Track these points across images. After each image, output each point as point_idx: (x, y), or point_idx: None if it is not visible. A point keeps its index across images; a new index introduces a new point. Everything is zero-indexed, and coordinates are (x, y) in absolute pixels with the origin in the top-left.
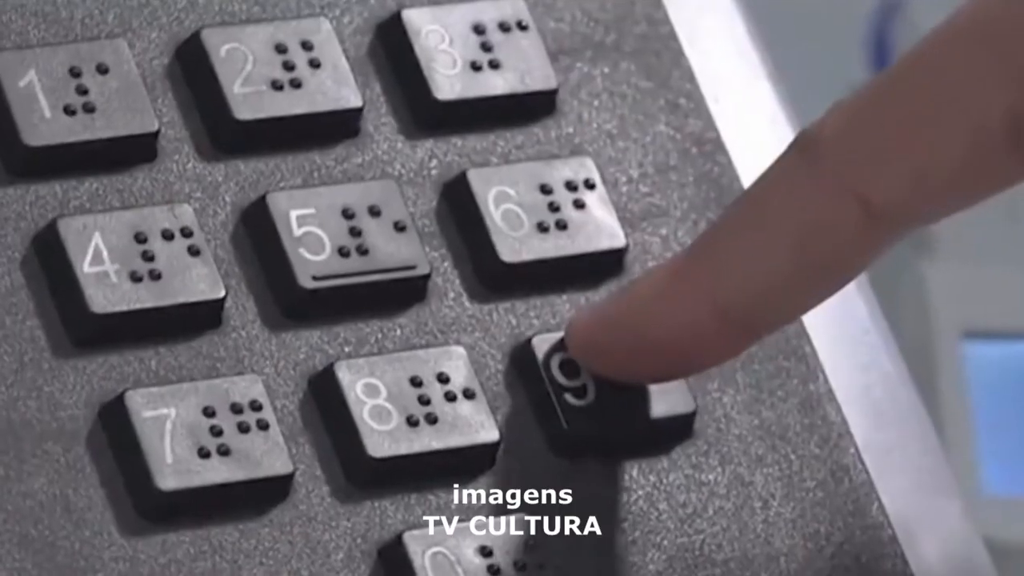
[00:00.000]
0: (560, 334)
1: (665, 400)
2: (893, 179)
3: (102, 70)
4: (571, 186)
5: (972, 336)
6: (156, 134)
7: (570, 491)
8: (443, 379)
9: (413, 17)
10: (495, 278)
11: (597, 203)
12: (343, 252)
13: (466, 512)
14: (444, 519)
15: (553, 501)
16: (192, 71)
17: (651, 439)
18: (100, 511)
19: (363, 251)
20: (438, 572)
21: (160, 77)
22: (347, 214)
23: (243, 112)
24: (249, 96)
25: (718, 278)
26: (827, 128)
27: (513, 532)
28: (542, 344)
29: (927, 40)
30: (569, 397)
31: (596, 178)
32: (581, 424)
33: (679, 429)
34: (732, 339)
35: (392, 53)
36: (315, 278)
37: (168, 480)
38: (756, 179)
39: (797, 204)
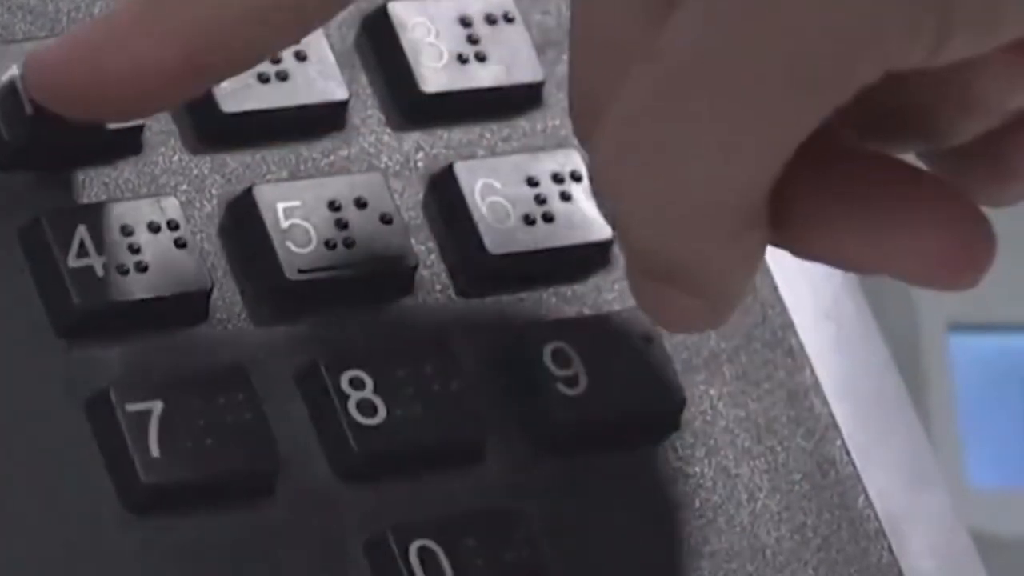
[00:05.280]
0: (551, 322)
1: (653, 392)
2: None
3: None
4: (558, 178)
5: (957, 329)
6: (142, 127)
7: (556, 483)
8: (429, 371)
9: (399, 10)
10: (482, 271)
11: (584, 195)
12: (329, 245)
13: (452, 504)
14: (432, 513)
15: (539, 493)
16: None
17: (638, 430)
18: (86, 505)
19: (349, 244)
20: (424, 564)
21: None
22: (333, 207)
23: (229, 105)
24: (235, 89)
25: (189, 19)
26: None
27: (498, 524)
28: (533, 334)
29: None
30: (560, 387)
31: (582, 170)
32: (571, 414)
33: (666, 421)
34: (192, 82)
35: (378, 46)
36: (301, 271)
37: (153, 474)
38: None
39: None
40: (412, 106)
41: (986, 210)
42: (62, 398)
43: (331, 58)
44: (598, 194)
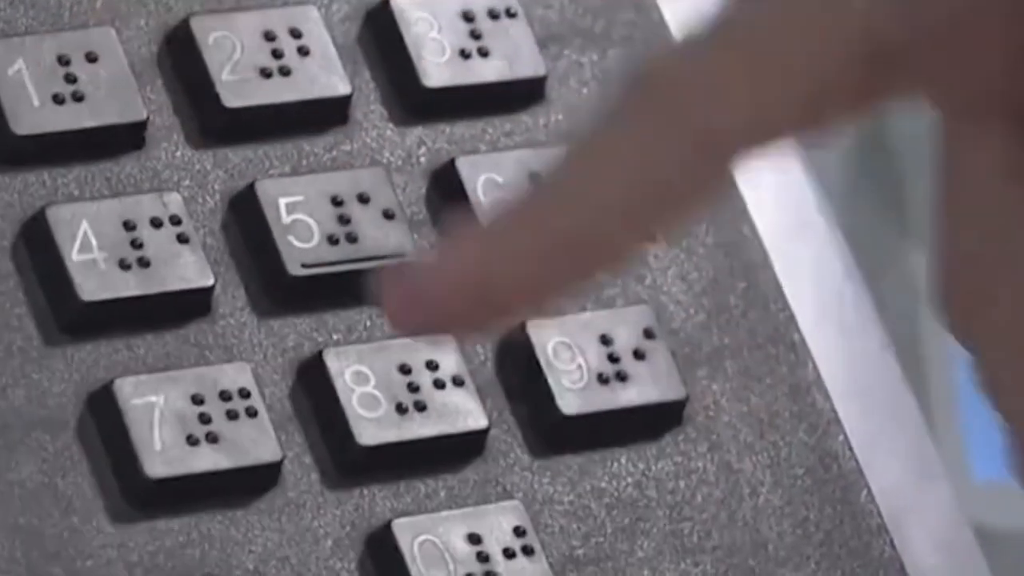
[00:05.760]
0: (553, 319)
1: (656, 387)
2: (733, 110)
3: (91, 58)
4: None
5: None
6: (145, 122)
7: (559, 478)
8: (432, 366)
9: (402, 4)
10: None
11: None
12: (332, 239)
13: (455, 500)
14: (433, 507)
15: (542, 488)
16: (180, 59)
17: (641, 426)
18: (89, 498)
19: (352, 238)
20: (427, 559)
21: (149, 65)
22: (336, 201)
23: (231, 100)
24: (237, 84)
25: (560, 214)
26: (661, 62)
27: (501, 519)
28: (535, 329)
29: None
30: (562, 382)
31: None
32: (573, 410)
33: (669, 416)
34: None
35: (381, 40)
36: (304, 265)
37: (157, 467)
38: (587, 122)
39: (629, 139)
40: (415, 101)
41: None
42: (65, 393)
43: (334, 53)
44: (994, 409)
